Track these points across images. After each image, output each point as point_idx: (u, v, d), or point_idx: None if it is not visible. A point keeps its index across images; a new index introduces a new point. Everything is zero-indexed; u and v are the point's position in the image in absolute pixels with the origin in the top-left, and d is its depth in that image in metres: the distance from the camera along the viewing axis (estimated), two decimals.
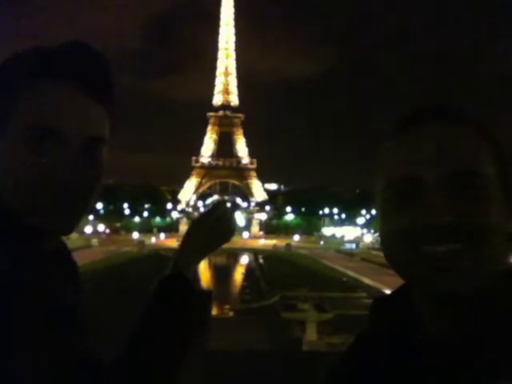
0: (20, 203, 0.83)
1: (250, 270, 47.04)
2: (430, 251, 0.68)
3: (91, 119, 0.88)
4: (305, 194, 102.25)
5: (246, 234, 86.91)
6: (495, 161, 0.72)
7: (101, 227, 77.09)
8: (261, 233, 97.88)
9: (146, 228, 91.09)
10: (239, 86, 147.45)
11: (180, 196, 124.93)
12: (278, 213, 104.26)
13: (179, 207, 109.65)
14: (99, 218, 77.74)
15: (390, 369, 0.75)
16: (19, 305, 0.77)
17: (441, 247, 0.68)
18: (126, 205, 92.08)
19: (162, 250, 56.59)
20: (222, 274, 43.48)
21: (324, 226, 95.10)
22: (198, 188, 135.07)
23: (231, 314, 25.85)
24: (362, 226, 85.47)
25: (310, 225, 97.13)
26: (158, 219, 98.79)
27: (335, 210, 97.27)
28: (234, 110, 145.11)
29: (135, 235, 78.88)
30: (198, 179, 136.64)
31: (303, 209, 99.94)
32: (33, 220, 0.83)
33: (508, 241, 0.71)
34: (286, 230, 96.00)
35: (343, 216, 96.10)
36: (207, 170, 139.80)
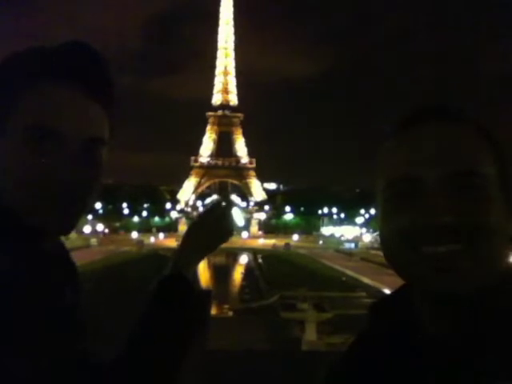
0: (20, 203, 0.83)
1: (249, 270, 47.03)
2: (430, 251, 0.68)
3: (90, 120, 0.88)
4: (304, 194, 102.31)
5: (245, 234, 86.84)
6: (495, 161, 0.72)
7: (100, 227, 76.99)
8: (260, 232, 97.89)
9: (145, 228, 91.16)
10: (238, 86, 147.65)
11: (179, 196, 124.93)
12: (277, 212, 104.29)
13: (178, 207, 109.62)
14: (98, 217, 77.68)
15: (390, 369, 0.75)
16: (19, 305, 0.77)
17: (441, 247, 0.68)
18: (125, 204, 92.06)
19: (161, 249, 56.65)
20: (222, 273, 43.47)
21: (323, 225, 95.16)
22: (197, 188, 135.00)
23: (230, 313, 25.83)
24: (361, 226, 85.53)
25: (309, 224, 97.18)
26: (157, 219, 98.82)
27: (334, 210, 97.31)
28: (234, 109, 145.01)
29: (134, 235, 78.81)
30: (197, 179, 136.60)
31: (302, 208, 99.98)
32: (33, 220, 0.84)
33: (508, 241, 0.71)
34: (285, 230, 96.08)
35: (342, 215, 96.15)
36: (206, 170, 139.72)
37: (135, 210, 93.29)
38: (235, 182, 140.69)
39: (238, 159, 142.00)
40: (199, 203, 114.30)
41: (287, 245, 65.06)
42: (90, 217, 70.43)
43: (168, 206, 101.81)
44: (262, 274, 39.61)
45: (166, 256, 41.36)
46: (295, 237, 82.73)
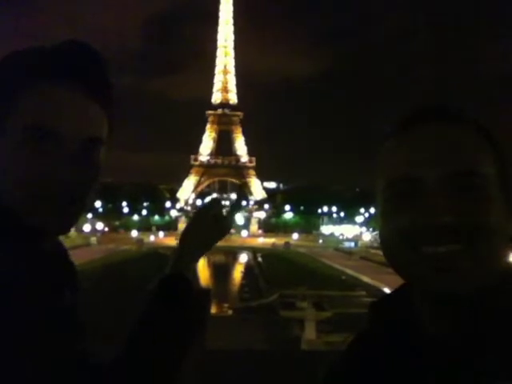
0: (20, 203, 0.83)
1: (248, 269, 47.03)
2: (430, 251, 0.68)
3: (89, 120, 0.88)
4: (304, 193, 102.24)
5: (244, 233, 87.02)
6: (495, 161, 0.72)
7: (99, 225, 77.08)
8: (260, 231, 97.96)
9: (145, 226, 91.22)
10: (238, 85, 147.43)
11: (179, 194, 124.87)
12: (277, 211, 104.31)
13: (178, 205, 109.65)
14: (98, 216, 77.78)
15: (389, 368, 0.75)
16: (19, 305, 0.77)
17: (441, 247, 0.68)
18: (124, 203, 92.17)
19: (160, 248, 56.72)
20: (221, 272, 43.46)
21: (323, 224, 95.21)
22: (196, 186, 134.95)
23: (230, 312, 25.86)
24: (361, 225, 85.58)
25: (308, 223, 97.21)
26: (156, 217, 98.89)
27: (334, 209, 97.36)
28: (233, 108, 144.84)
29: (134, 233, 78.89)
30: (197, 177, 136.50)
31: (302, 207, 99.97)
32: (33, 220, 0.83)
33: (508, 241, 0.71)
34: (285, 229, 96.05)
35: (342, 214, 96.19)
36: (206, 169, 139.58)
37: (135, 209, 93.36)
38: (235, 180, 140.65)
39: (237, 158, 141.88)
40: (199, 202, 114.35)
41: (287, 244, 65.16)
42: (89, 215, 70.55)
43: (168, 204, 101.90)
44: (261, 273, 39.63)
45: (166, 255, 41.36)
46: (295, 236, 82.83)
